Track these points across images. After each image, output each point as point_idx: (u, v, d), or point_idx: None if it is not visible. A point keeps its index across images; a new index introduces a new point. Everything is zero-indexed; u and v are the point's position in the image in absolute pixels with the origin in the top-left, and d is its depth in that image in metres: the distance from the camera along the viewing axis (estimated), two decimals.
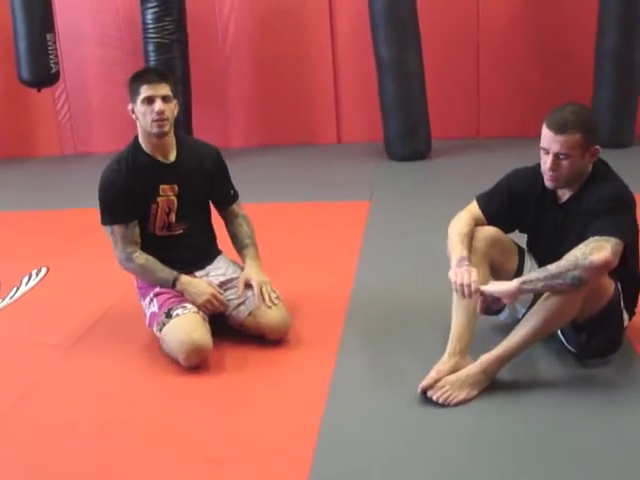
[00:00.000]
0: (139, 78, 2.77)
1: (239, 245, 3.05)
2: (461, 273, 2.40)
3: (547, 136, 2.38)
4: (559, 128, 2.35)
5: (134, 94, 2.76)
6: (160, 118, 2.73)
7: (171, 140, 2.87)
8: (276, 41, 6.97)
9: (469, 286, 2.37)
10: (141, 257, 2.85)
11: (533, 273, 2.36)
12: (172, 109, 2.79)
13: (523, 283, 2.33)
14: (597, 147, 2.41)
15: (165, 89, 2.75)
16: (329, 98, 7.12)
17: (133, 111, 2.80)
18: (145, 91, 2.72)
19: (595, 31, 6.10)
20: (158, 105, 2.72)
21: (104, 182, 2.84)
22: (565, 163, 2.38)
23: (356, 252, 3.91)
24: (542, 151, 2.42)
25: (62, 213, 5.15)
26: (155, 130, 2.76)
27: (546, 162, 2.40)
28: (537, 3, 6.63)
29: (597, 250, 2.22)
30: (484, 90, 6.91)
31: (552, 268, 2.27)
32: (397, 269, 3.66)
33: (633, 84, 6.07)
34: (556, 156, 2.37)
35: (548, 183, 2.46)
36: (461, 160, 6.26)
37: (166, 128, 2.77)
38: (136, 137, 2.88)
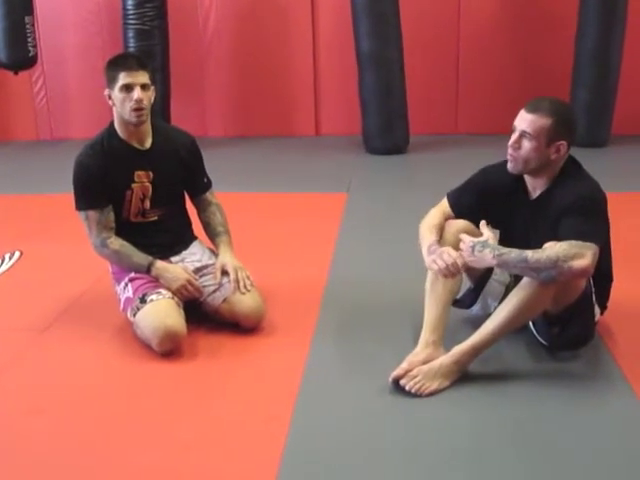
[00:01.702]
0: (118, 64, 2.74)
1: (212, 233, 3.04)
2: (439, 257, 2.41)
3: (519, 114, 2.43)
4: (532, 108, 2.40)
5: (112, 80, 2.73)
6: (139, 107, 2.71)
7: (147, 127, 2.85)
8: (257, 31, 6.95)
9: (454, 264, 2.39)
10: (116, 243, 2.84)
11: (512, 254, 2.30)
12: (150, 97, 2.77)
13: (498, 265, 2.36)
14: (563, 143, 2.41)
15: (144, 77, 2.73)
16: (308, 90, 7.11)
17: (110, 97, 2.77)
18: (124, 78, 2.70)
19: (575, 32, 6.15)
20: (137, 93, 2.70)
21: (78, 167, 2.82)
22: (527, 144, 2.40)
23: (332, 243, 3.92)
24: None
25: (37, 198, 5.11)
26: (133, 119, 2.74)
27: (510, 139, 2.44)
28: (518, 1, 6.66)
29: (579, 257, 2.23)
30: (463, 86, 6.94)
31: (531, 260, 2.26)
32: (372, 260, 3.68)
33: (610, 85, 6.13)
34: (521, 134, 2.40)
35: (508, 165, 2.49)
36: (439, 155, 6.28)
37: (144, 117, 2.76)
38: (111, 122, 2.86)
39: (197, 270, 2.93)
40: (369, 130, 6.30)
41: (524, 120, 2.40)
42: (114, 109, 2.79)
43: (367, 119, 6.27)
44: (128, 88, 2.70)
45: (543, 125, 2.37)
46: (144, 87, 2.72)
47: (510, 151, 2.45)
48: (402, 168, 5.94)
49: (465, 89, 6.94)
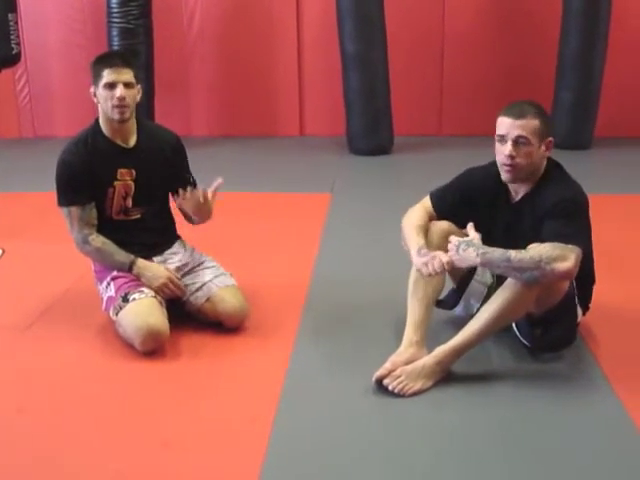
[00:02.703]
0: (102, 61, 2.75)
1: None
2: (430, 262, 2.40)
3: (505, 123, 2.40)
4: (519, 114, 2.39)
5: (96, 77, 2.73)
6: (120, 104, 2.70)
7: (132, 125, 2.84)
8: (242, 31, 6.94)
9: (442, 269, 2.39)
10: (98, 240, 2.83)
11: (496, 253, 2.32)
12: (134, 95, 2.76)
13: (482, 263, 2.35)
14: (551, 139, 2.44)
15: (128, 74, 2.72)
16: (293, 90, 7.10)
17: (95, 94, 2.77)
18: (107, 76, 2.69)
19: (558, 36, 6.18)
20: (119, 91, 2.69)
21: (62, 163, 2.81)
22: (524, 150, 2.39)
23: (316, 243, 3.92)
24: (498, 142, 2.43)
25: (19, 196, 5.07)
26: (116, 116, 2.74)
27: (504, 150, 2.40)
28: (503, 5, 6.69)
29: (562, 259, 2.24)
30: (447, 88, 6.96)
31: (514, 259, 2.27)
32: (356, 260, 3.68)
33: (594, 87, 6.17)
34: (515, 142, 2.38)
35: (506, 175, 2.46)
36: (423, 156, 6.30)
37: (126, 115, 2.75)
38: (97, 119, 2.84)
39: (178, 269, 2.92)
40: (353, 131, 6.31)
41: (515, 127, 2.38)
42: (99, 106, 2.78)
43: (351, 120, 6.27)
44: (111, 86, 2.70)
45: (534, 127, 2.38)
46: (127, 85, 2.71)
47: (507, 161, 2.40)
48: (386, 169, 5.95)
49: (449, 91, 6.96)
